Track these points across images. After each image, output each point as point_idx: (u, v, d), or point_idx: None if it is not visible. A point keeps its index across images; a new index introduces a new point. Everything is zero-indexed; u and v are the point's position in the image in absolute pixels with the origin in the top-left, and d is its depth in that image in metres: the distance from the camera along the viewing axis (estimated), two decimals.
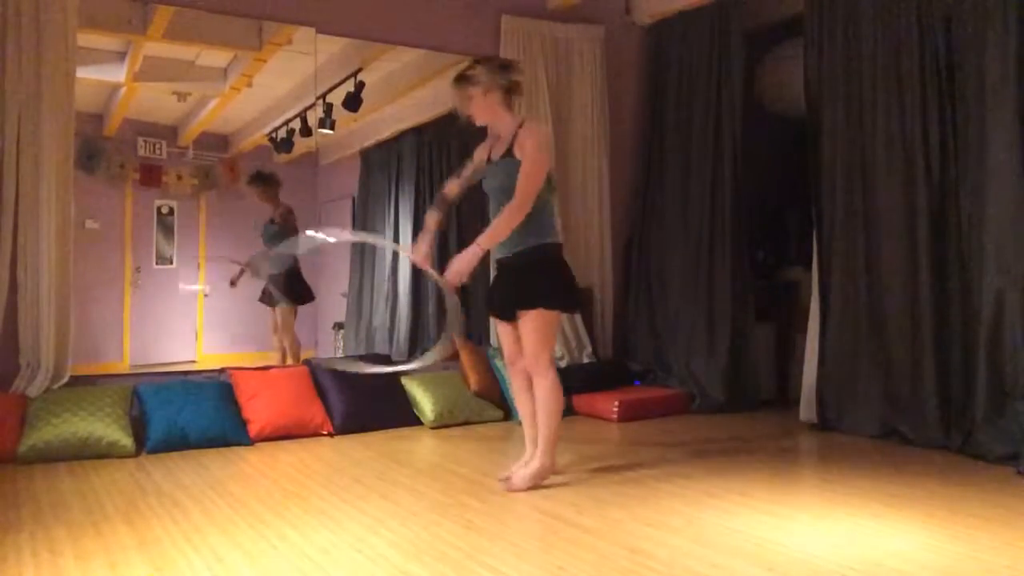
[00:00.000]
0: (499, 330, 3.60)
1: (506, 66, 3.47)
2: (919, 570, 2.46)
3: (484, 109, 3.42)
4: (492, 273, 3.75)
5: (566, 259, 3.53)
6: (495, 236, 3.35)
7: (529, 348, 3.39)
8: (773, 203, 6.33)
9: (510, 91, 3.44)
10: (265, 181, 5.62)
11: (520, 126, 3.40)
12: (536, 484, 3.38)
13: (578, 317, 5.69)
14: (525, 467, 3.44)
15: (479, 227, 3.42)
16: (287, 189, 6.18)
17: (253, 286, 6.20)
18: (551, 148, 3.47)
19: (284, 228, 5.56)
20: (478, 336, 5.99)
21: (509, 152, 3.38)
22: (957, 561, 2.54)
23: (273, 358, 5.68)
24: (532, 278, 3.38)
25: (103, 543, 2.70)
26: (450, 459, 4.04)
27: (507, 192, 3.34)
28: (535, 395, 3.44)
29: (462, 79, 3.42)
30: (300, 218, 6.14)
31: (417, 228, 6.56)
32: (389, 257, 6.67)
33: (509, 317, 3.47)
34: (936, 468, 3.80)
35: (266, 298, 5.84)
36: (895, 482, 3.53)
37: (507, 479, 3.41)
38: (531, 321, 3.35)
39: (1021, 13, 3.89)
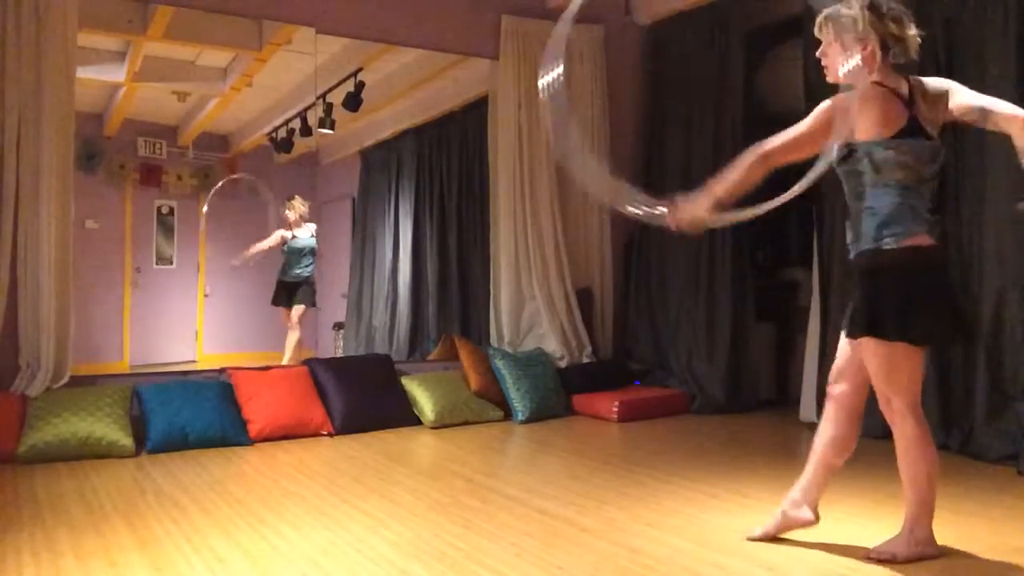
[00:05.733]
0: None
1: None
2: (919, 570, 2.47)
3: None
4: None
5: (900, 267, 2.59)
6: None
7: (873, 383, 2.62)
8: None
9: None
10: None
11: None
12: (910, 557, 2.54)
13: (578, 317, 5.69)
14: (892, 538, 2.61)
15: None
16: (287, 189, 6.20)
17: (253, 287, 6.22)
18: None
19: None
20: (478, 336, 5.99)
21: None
22: (957, 561, 2.55)
23: (278, 357, 5.72)
24: (863, 292, 2.62)
25: (103, 543, 2.70)
26: (450, 459, 4.04)
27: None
28: (896, 444, 2.61)
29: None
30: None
31: (417, 228, 6.59)
32: (389, 257, 6.67)
33: (847, 331, 2.69)
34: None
35: (281, 299, 6.04)
36: (895, 482, 3.49)
37: (873, 556, 2.58)
38: (866, 350, 2.58)
39: (1021, 13, 3.89)
